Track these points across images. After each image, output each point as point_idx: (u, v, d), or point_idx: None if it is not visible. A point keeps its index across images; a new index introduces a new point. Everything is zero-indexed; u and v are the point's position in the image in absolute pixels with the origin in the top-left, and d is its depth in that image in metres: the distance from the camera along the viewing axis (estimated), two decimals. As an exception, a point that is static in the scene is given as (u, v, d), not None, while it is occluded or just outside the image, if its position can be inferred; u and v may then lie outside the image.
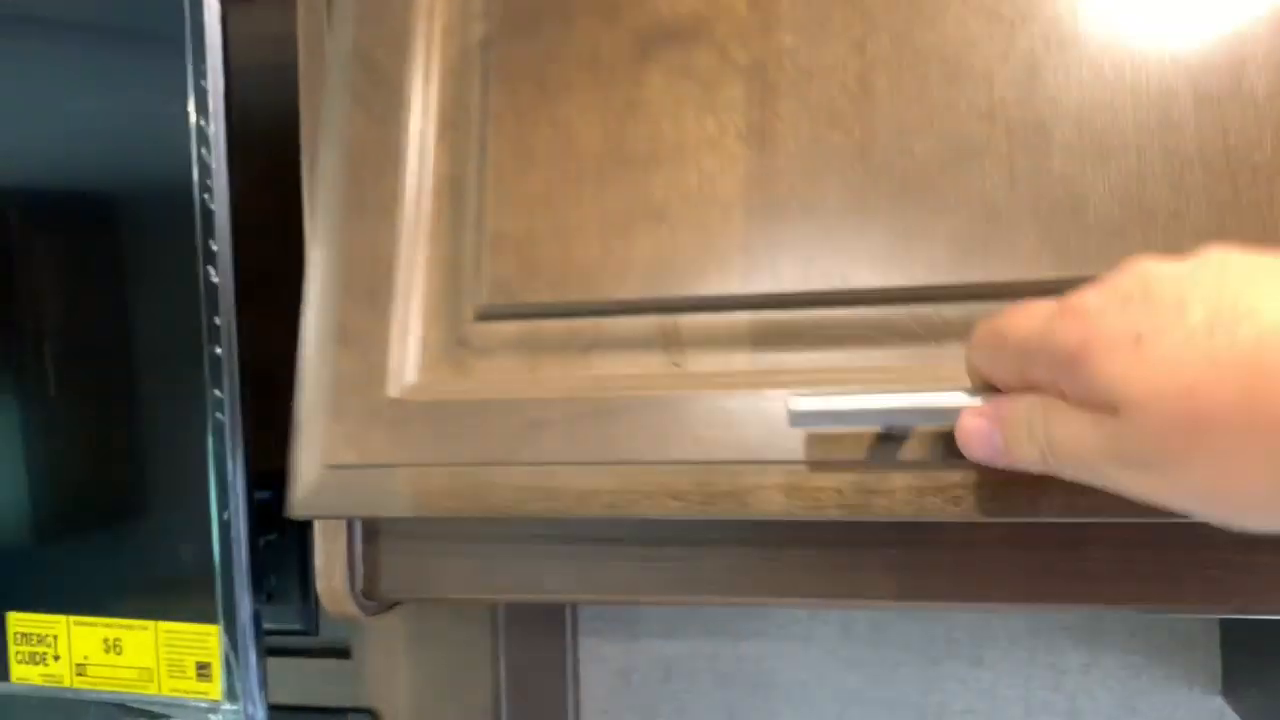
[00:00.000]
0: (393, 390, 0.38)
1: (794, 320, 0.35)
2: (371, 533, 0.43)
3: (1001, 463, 0.29)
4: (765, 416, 0.34)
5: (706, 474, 0.35)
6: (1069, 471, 0.27)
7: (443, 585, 0.42)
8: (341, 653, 0.68)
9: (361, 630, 0.67)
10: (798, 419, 0.31)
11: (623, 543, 0.39)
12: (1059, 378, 0.27)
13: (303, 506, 0.38)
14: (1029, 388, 0.28)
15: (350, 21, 0.41)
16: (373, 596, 0.43)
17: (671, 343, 0.36)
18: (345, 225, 0.39)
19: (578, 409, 0.36)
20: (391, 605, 0.47)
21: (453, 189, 0.39)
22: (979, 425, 0.29)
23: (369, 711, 0.68)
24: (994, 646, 0.80)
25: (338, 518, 0.39)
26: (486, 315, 0.38)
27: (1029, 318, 0.28)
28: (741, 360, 0.36)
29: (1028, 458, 0.28)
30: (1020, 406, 0.28)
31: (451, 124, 0.40)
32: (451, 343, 0.38)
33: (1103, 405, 0.25)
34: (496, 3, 0.40)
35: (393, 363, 0.38)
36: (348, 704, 0.68)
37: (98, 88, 0.44)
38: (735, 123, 0.36)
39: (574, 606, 0.86)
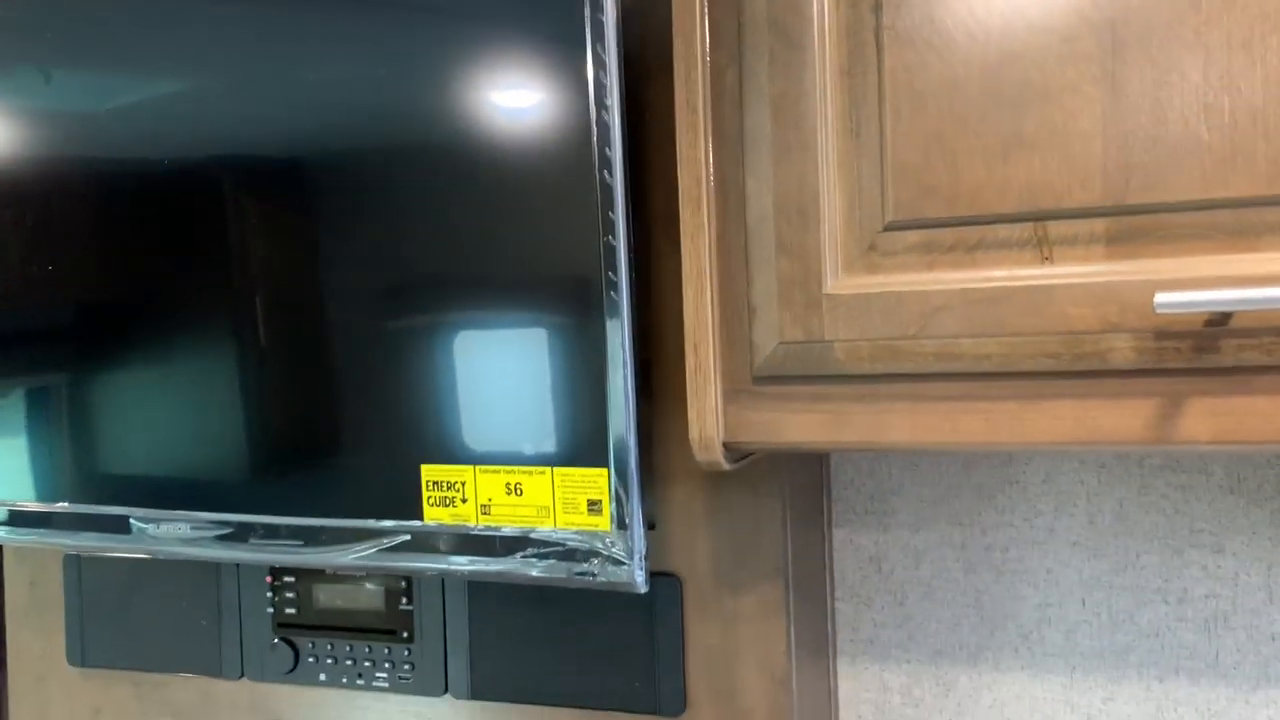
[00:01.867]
0: (826, 286, 0.58)
1: (1141, 223, 0.54)
2: (731, 393, 0.63)
3: None
4: (1120, 297, 0.53)
5: (1075, 341, 0.54)
6: None
7: (795, 434, 0.62)
8: (648, 524, 0.91)
9: (667, 505, 0.89)
10: (1162, 306, 0.50)
11: (965, 399, 0.58)
12: None
13: (763, 370, 0.59)
14: None
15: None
16: (732, 447, 0.64)
17: (1042, 242, 0.55)
18: (775, 162, 0.59)
19: (971, 297, 0.56)
20: (744, 456, 0.68)
21: (854, 128, 0.59)
22: None
23: (672, 574, 0.90)
24: (1237, 536, 0.97)
25: (798, 381, 0.60)
26: (891, 227, 0.58)
27: None
28: (1099, 254, 0.55)
29: None
30: None
31: (847, 74, 0.59)
32: (864, 248, 0.58)
33: None
34: None
35: (823, 265, 0.58)
36: (654, 568, 0.90)
37: (503, 73, 0.64)
38: (1091, 70, 0.54)
39: (830, 497, 1.06)
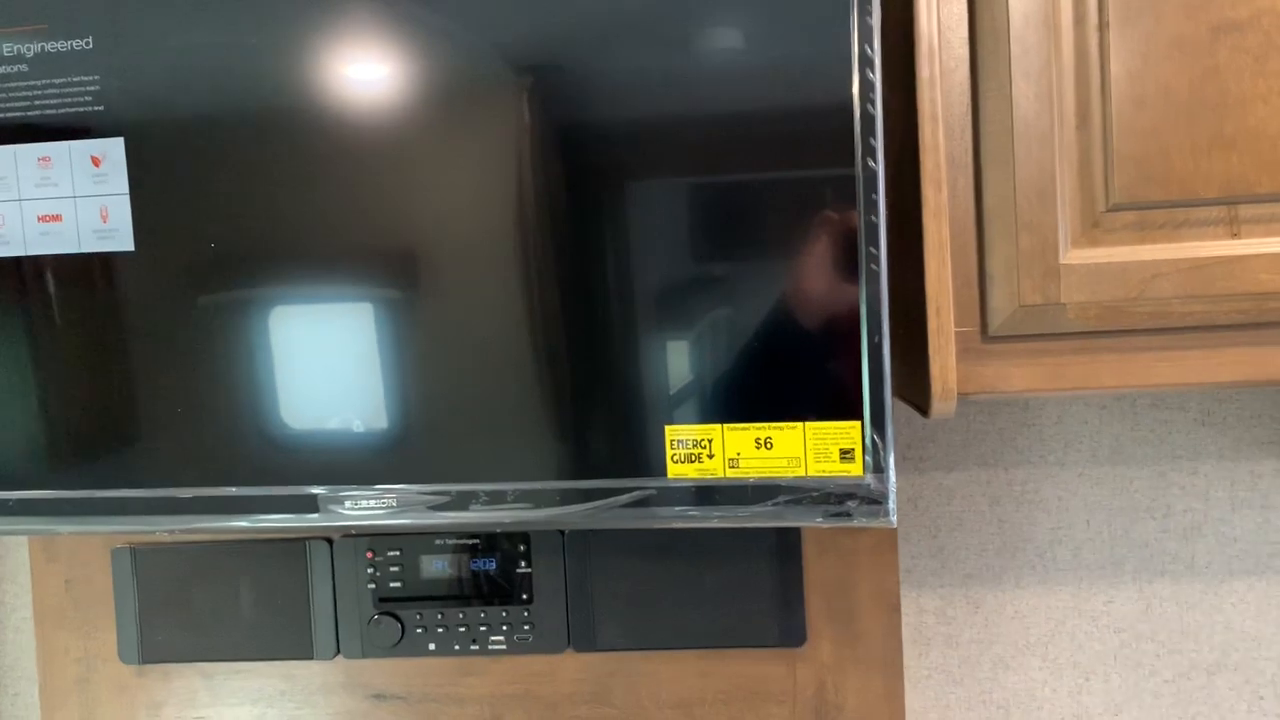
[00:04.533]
0: (1060, 258, 0.69)
1: (1314, 207, 0.69)
2: (962, 351, 0.74)
3: None
4: (1299, 264, 0.68)
5: (1263, 299, 0.68)
6: None
7: (1020, 384, 0.74)
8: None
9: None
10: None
11: (1162, 349, 0.72)
12: None
13: (1002, 329, 0.70)
14: None
15: (1002, 8, 0.70)
16: (962, 398, 0.75)
17: (1233, 221, 0.69)
18: (1016, 155, 0.70)
19: (1183, 266, 0.69)
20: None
21: (1082, 127, 0.70)
22: None
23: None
24: (1207, 460, 1.18)
25: (1026, 339, 0.71)
26: (1114, 208, 0.70)
27: None
28: (1277, 229, 0.69)
29: None
30: None
31: (1076, 79, 0.70)
32: (1089, 225, 0.70)
33: None
34: (1105, 7, 0.70)
35: (1058, 239, 0.69)
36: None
37: (780, 76, 0.71)
38: (1277, 85, 0.68)
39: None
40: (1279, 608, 1.18)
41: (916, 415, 1.20)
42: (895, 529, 1.02)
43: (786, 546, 0.99)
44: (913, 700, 1.22)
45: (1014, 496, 1.21)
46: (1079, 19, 0.70)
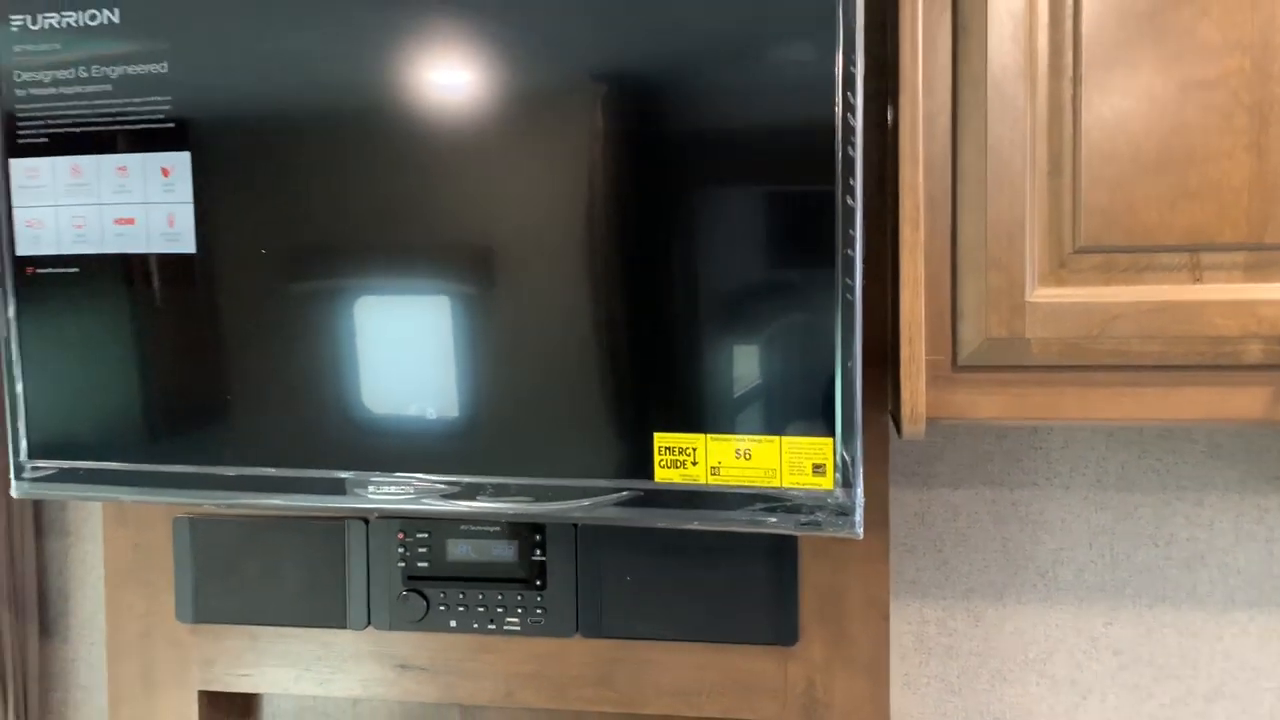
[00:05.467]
0: (1027, 295, 0.73)
1: (1275, 257, 0.71)
2: (933, 379, 0.78)
3: None
4: (1255, 310, 0.71)
5: (1218, 342, 0.71)
6: None
7: (986, 411, 0.78)
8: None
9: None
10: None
11: (1123, 385, 0.75)
12: None
13: (970, 360, 0.74)
14: None
15: (982, 58, 0.74)
16: (931, 422, 0.79)
17: (1195, 268, 0.72)
18: (989, 197, 0.74)
19: (1142, 308, 0.72)
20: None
21: (1053, 173, 0.74)
22: None
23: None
24: (1213, 491, 1.19)
25: (992, 369, 0.75)
26: (1080, 250, 0.73)
27: None
28: (1238, 278, 0.72)
29: None
30: None
31: (1049, 129, 0.74)
32: (1056, 265, 0.74)
33: None
34: (1080, 61, 0.73)
35: (1025, 278, 0.73)
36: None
37: (767, 117, 0.76)
38: (1242, 141, 0.71)
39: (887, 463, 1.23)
40: (1279, 640, 1.19)
41: (925, 430, 1.23)
42: (888, 541, 1.06)
43: (783, 550, 1.04)
44: (911, 706, 1.26)
45: (1019, 516, 1.23)
46: (1055, 72, 0.74)
